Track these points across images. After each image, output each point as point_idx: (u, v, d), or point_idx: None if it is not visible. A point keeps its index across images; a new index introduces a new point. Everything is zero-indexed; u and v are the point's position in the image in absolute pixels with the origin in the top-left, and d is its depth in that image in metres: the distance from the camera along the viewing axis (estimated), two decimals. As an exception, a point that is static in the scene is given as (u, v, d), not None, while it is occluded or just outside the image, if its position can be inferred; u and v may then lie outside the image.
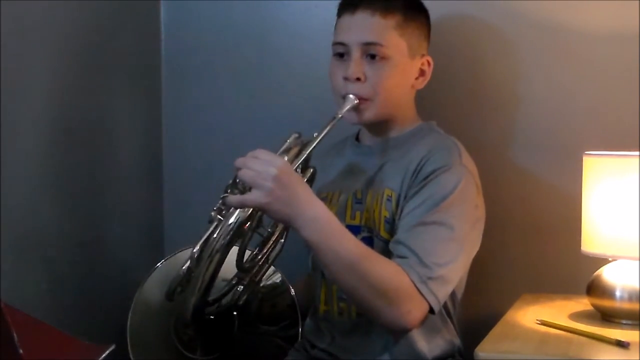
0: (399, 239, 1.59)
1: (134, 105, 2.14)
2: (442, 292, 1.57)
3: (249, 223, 1.52)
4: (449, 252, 1.58)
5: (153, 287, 1.75)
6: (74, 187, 1.90)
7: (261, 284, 1.75)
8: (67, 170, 1.88)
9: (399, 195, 1.65)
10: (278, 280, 1.80)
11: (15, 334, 1.15)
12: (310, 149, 1.59)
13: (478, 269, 1.77)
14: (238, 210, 1.49)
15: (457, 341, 1.72)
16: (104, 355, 1.24)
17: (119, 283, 2.01)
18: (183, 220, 2.17)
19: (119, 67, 2.06)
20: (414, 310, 1.54)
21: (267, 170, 1.46)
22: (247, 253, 1.62)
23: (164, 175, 2.24)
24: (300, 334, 1.79)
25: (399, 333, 1.63)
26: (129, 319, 1.74)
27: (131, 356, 1.72)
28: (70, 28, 1.88)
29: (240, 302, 1.70)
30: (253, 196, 1.46)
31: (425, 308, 1.55)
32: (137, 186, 2.15)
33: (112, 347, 1.26)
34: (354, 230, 1.69)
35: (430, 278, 1.53)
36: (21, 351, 1.15)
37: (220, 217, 1.51)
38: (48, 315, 1.45)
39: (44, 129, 1.81)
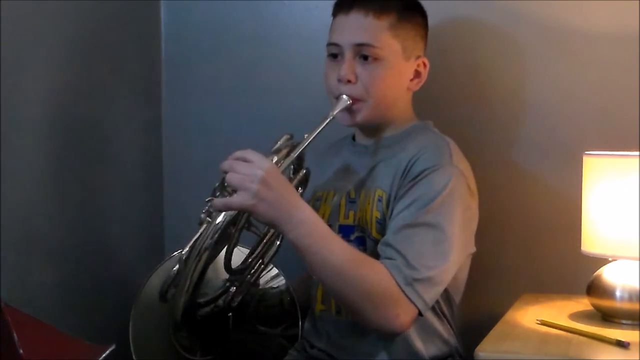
0: (387, 241, 1.58)
1: (134, 106, 2.14)
2: (430, 294, 1.55)
3: (237, 223, 1.52)
4: (438, 254, 1.56)
5: (155, 288, 1.75)
6: (74, 187, 1.90)
7: (260, 285, 1.75)
8: (67, 170, 1.88)
9: (389, 196, 1.64)
10: (278, 280, 1.80)
11: (15, 334, 1.15)
12: (300, 150, 1.58)
13: (478, 269, 1.77)
14: None
15: (455, 341, 1.72)
16: (104, 355, 1.25)
17: (119, 283, 2.01)
18: (183, 220, 2.15)
19: (119, 67, 2.06)
20: (402, 314, 1.52)
21: (253, 172, 1.45)
22: (241, 255, 1.63)
23: (164, 175, 2.24)
24: (300, 334, 1.79)
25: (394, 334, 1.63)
26: (130, 320, 1.74)
27: (134, 357, 1.72)
28: (70, 28, 1.88)
29: (235, 304, 1.69)
30: (239, 199, 1.45)
31: (414, 311, 1.53)
32: (137, 186, 2.15)
33: (112, 347, 1.26)
34: (348, 230, 1.70)
35: (416, 280, 1.52)
36: (21, 351, 1.15)
37: (209, 219, 1.51)
38: (48, 316, 1.45)
39: (43, 129, 1.81)
